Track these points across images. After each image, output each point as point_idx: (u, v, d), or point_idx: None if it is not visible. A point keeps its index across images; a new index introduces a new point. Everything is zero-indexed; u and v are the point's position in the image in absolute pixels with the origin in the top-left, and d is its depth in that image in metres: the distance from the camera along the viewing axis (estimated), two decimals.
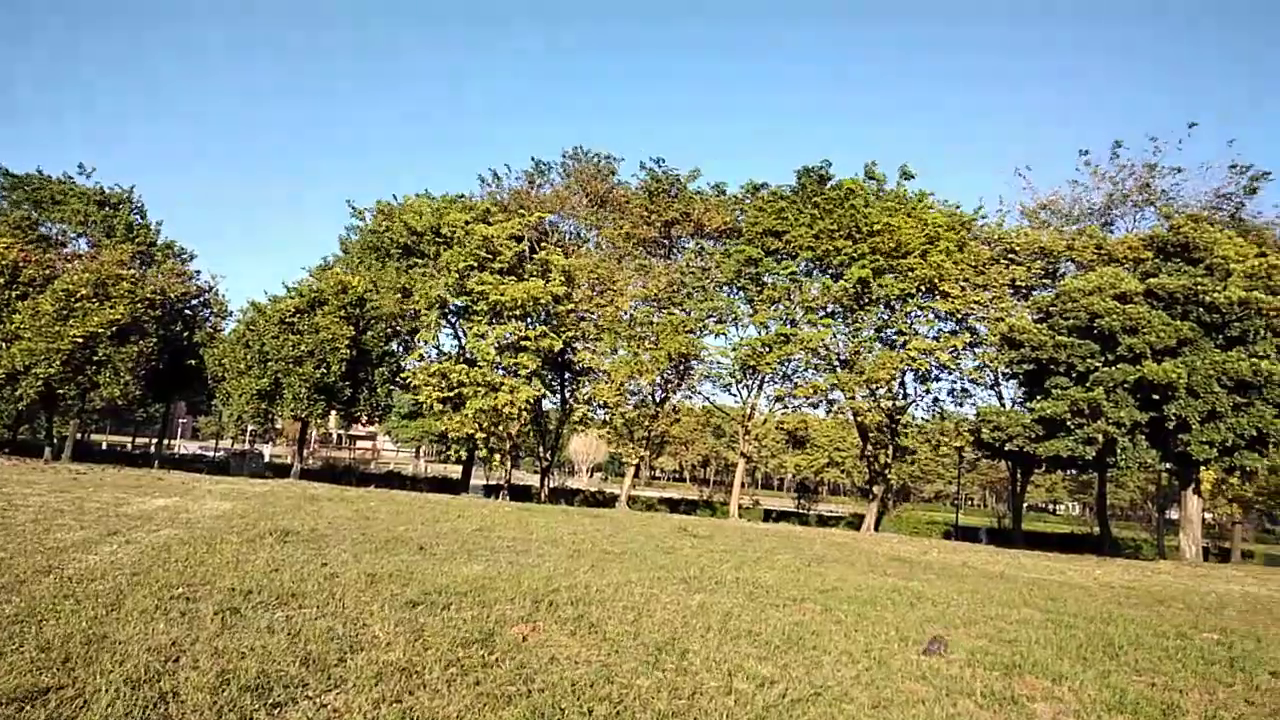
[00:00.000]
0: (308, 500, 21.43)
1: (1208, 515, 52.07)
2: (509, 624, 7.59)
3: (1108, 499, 48.96)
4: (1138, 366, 29.29)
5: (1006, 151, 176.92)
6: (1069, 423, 30.26)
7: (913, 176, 42.12)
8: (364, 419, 46.56)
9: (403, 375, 41.41)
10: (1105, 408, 29.32)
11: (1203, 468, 32.32)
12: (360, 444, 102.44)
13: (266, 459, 58.87)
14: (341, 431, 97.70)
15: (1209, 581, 21.08)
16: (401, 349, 42.84)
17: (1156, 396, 29.21)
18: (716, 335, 44.41)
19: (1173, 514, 50.43)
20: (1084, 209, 43.76)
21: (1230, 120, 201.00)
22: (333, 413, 42.13)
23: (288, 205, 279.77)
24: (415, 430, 77.08)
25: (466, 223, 40.23)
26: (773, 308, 40.91)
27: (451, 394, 38.46)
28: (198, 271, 44.99)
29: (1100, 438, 29.76)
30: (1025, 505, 52.90)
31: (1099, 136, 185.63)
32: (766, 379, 43.74)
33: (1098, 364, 30.66)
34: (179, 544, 11.09)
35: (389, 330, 41.14)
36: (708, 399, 49.26)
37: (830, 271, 40.45)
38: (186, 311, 43.78)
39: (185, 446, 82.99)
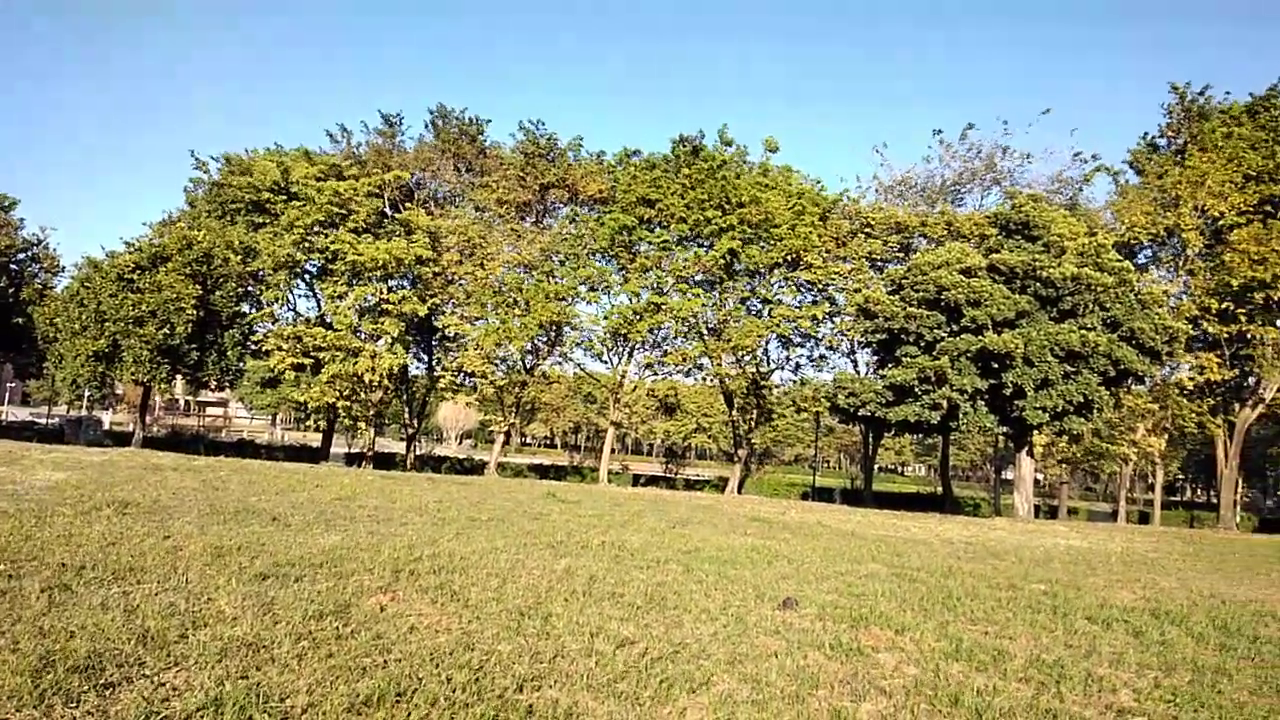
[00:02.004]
0: (150, 470, 20.15)
1: (1039, 475, 56.37)
2: (367, 594, 7.38)
3: (950, 461, 52.27)
4: (980, 337, 31.07)
5: (873, 132, 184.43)
6: (917, 389, 31.91)
7: (777, 149, 43.13)
8: (213, 384, 44.06)
9: (254, 339, 39.38)
10: (950, 375, 31.08)
11: (1035, 431, 34.80)
12: (210, 411, 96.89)
13: (105, 426, 54.92)
14: (189, 397, 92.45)
15: (1039, 537, 22.80)
16: (254, 310, 40.71)
17: (996, 365, 31.10)
18: (589, 303, 44.37)
19: (1008, 474, 54.39)
20: (936, 185, 46.06)
21: (1088, 107, 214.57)
22: (178, 377, 39.72)
23: (131, 156, 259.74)
24: (272, 397, 73.75)
25: (318, 178, 38.41)
26: (644, 276, 41.16)
27: (307, 359, 36.91)
28: (23, 220, 41.54)
29: (945, 403, 31.57)
30: (876, 467, 55.84)
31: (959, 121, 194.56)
32: (637, 347, 44.08)
33: (944, 334, 32.40)
34: (3, 517, 10.21)
35: (240, 290, 38.91)
36: (579, 366, 49.29)
37: (701, 242, 41.02)
38: (12, 266, 40.33)
39: (14, 413, 76.44)
